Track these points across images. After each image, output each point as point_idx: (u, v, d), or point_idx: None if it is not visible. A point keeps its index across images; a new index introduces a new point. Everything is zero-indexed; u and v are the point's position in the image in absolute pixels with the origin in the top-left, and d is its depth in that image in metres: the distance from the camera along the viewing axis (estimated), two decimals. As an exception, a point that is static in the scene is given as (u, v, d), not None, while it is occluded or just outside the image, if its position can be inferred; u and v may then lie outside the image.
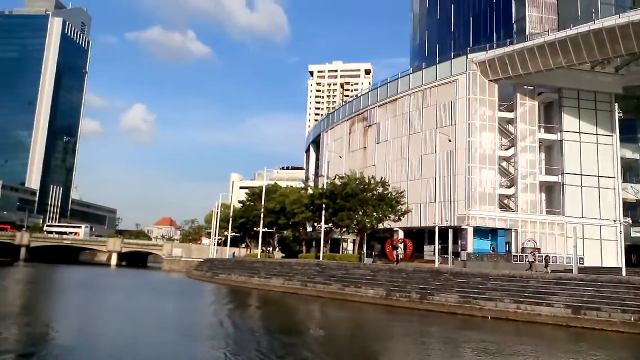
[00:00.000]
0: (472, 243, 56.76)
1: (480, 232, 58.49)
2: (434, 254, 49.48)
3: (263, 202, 66.36)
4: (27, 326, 25.24)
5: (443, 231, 49.43)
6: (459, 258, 51.39)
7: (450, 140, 55.00)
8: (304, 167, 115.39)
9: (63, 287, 54.76)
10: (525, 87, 60.67)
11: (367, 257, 58.03)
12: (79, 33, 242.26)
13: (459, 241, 58.01)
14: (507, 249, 56.95)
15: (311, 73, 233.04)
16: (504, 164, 61.54)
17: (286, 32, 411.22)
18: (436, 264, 44.20)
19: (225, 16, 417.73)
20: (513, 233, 57.64)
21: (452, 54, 66.44)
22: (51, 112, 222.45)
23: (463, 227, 57.58)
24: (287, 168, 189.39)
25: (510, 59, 56.72)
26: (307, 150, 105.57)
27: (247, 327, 28.28)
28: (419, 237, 65.30)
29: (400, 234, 65.61)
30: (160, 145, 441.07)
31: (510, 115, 60.68)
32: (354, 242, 64.17)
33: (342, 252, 68.92)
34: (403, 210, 55.78)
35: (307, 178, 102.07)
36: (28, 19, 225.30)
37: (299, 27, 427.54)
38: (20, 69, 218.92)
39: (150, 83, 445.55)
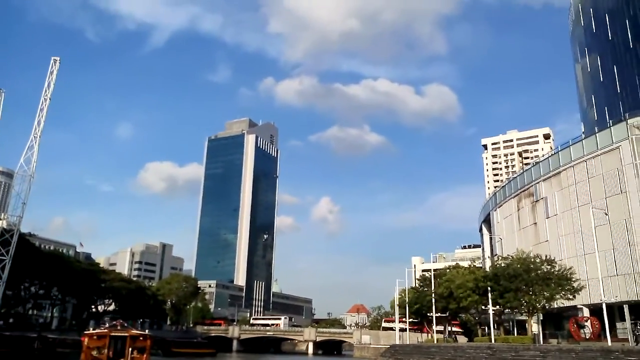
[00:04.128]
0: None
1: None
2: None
3: (433, 288, 68.95)
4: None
5: (633, 306, 46.94)
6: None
7: (606, 214, 53.02)
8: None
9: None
10: None
11: (550, 337, 56.48)
12: (268, 144, 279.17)
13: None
14: None
15: (485, 146, 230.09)
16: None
17: (457, 109, 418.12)
18: (609, 342, 42.46)
19: (397, 107, 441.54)
20: None
21: (610, 121, 64.74)
22: (251, 214, 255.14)
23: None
24: (469, 247, 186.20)
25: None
26: (480, 230, 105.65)
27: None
28: (609, 314, 61.21)
29: (586, 312, 62.34)
30: (347, 233, 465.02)
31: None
32: (538, 322, 62.72)
33: (527, 334, 67.03)
34: (575, 287, 54.07)
35: (483, 257, 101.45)
36: (229, 139, 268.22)
37: (469, 102, 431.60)
38: (226, 181, 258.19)
39: (333, 176, 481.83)
